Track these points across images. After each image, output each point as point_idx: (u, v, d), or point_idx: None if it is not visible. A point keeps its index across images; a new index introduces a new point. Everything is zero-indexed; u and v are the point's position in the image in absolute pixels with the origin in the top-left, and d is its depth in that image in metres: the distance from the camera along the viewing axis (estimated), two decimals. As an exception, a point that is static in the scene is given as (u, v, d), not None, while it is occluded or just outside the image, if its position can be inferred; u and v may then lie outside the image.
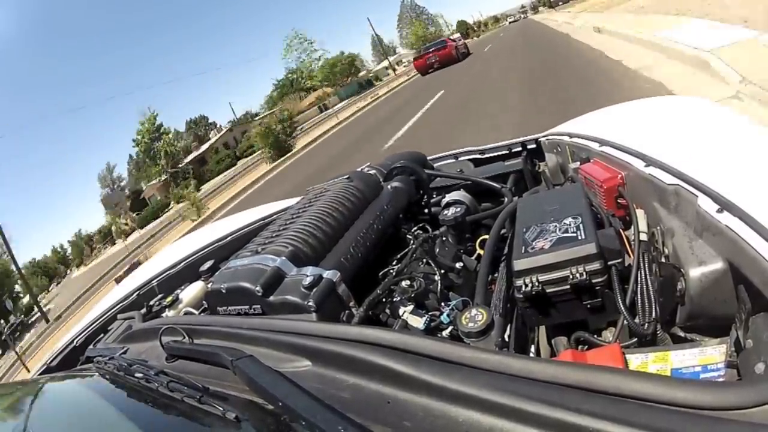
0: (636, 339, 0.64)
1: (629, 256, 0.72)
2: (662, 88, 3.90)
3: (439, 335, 0.73)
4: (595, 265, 0.66)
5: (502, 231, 0.93)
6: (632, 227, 0.76)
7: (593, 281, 0.66)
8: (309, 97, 44.63)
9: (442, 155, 1.50)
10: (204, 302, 1.04)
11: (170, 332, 0.76)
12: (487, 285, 0.80)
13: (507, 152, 1.39)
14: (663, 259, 0.70)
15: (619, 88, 4.52)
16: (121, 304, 1.34)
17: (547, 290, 0.68)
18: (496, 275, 0.86)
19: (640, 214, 0.78)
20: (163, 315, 1.15)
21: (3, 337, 15.29)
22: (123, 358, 0.78)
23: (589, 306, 0.68)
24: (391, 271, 0.90)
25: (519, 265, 0.70)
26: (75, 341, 1.27)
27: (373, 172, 1.24)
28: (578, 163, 1.04)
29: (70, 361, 1.20)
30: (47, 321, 16.78)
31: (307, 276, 0.79)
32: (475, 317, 0.66)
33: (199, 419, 0.55)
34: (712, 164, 0.69)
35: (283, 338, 0.64)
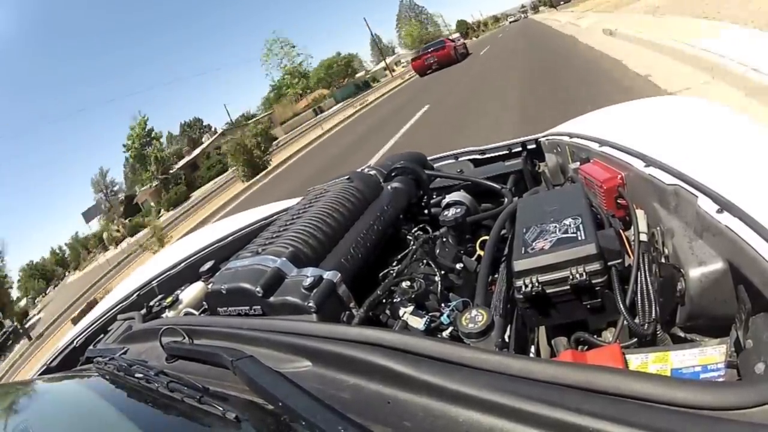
0: (636, 339, 0.64)
1: (629, 256, 0.72)
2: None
3: (439, 336, 0.73)
4: (595, 266, 0.66)
5: (502, 231, 0.93)
6: (632, 228, 0.76)
7: (593, 282, 0.66)
8: (305, 98, 44.17)
9: (442, 155, 1.50)
10: (204, 303, 1.04)
11: (170, 333, 0.76)
12: (487, 286, 0.80)
13: (507, 152, 1.39)
14: (663, 260, 0.70)
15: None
16: (121, 305, 1.34)
17: (547, 291, 0.68)
18: (496, 276, 0.86)
19: (640, 215, 0.78)
20: (163, 315, 1.15)
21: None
22: (123, 358, 0.78)
23: (589, 306, 0.68)
24: (392, 271, 0.90)
25: (519, 265, 0.70)
26: (75, 341, 1.27)
27: (373, 172, 1.24)
28: (578, 163, 1.04)
29: (70, 361, 1.20)
30: (29, 339, 16.11)
31: (308, 277, 0.79)
32: (476, 318, 0.66)
33: (199, 419, 0.55)
34: (712, 164, 0.69)
35: (284, 339, 0.64)
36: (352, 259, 0.90)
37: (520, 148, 1.38)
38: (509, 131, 4.69)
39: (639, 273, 0.68)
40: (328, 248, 0.92)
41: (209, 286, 0.92)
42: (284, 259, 0.85)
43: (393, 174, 1.25)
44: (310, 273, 0.81)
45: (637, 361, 0.57)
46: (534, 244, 0.72)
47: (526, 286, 0.68)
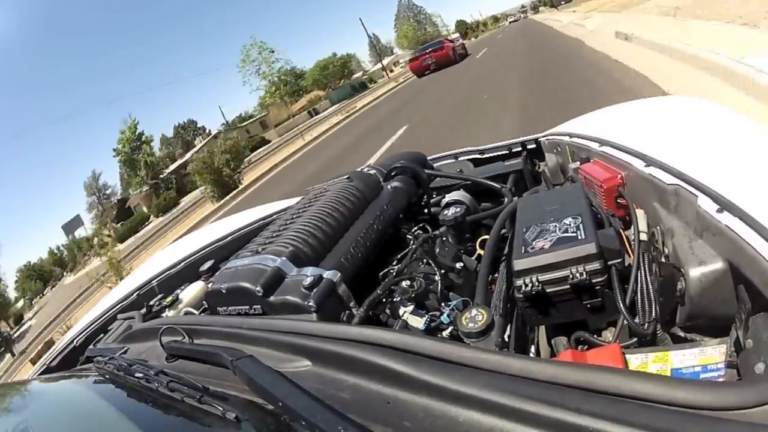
0: (636, 339, 0.64)
1: (629, 256, 0.72)
2: None
3: (439, 335, 0.73)
4: (595, 265, 0.66)
5: (502, 231, 0.93)
6: (632, 227, 0.76)
7: (593, 281, 0.66)
8: (301, 100, 43.54)
9: (442, 155, 1.50)
10: (204, 302, 1.03)
11: (170, 332, 0.76)
12: (487, 285, 0.80)
13: (507, 152, 1.39)
14: (663, 259, 0.70)
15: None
16: (121, 304, 1.34)
17: (547, 290, 0.68)
18: (496, 275, 0.86)
19: (640, 214, 0.78)
20: (163, 315, 1.15)
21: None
22: (123, 358, 0.78)
23: (589, 306, 0.68)
24: (392, 271, 0.90)
25: (519, 265, 0.70)
26: (75, 341, 1.27)
27: (373, 172, 1.24)
28: (578, 163, 1.04)
29: (70, 361, 1.20)
30: (12, 355, 15.45)
31: (308, 276, 0.79)
32: (476, 317, 0.66)
33: (199, 419, 0.55)
34: (712, 164, 0.69)
35: (283, 338, 0.64)
36: (352, 258, 0.90)
37: (520, 148, 1.38)
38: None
39: (639, 272, 0.68)
40: (328, 248, 0.92)
41: (209, 286, 0.92)
42: (284, 258, 0.85)
43: (393, 173, 1.24)
44: (310, 272, 0.81)
45: (637, 360, 0.57)
46: (534, 243, 0.72)
47: (526, 286, 0.68)
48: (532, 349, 0.76)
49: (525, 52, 12.65)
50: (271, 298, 0.80)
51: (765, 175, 0.62)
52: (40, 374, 1.22)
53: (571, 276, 0.66)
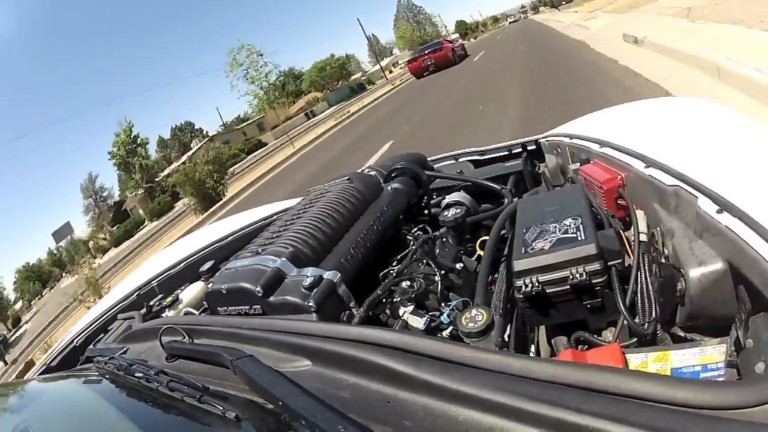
0: (636, 339, 0.64)
1: (629, 256, 0.72)
2: None
3: (439, 335, 0.73)
4: (595, 266, 0.66)
5: (502, 232, 0.93)
6: (632, 228, 0.76)
7: (593, 281, 0.66)
8: (299, 102, 43.12)
9: (442, 156, 1.50)
10: (204, 302, 1.04)
11: (170, 332, 0.76)
12: (487, 285, 0.81)
13: (507, 153, 1.39)
14: (663, 260, 0.70)
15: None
16: (121, 304, 1.34)
17: (547, 290, 0.68)
18: (496, 276, 0.86)
19: (640, 215, 0.78)
20: (163, 315, 1.15)
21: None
22: (123, 358, 0.78)
23: (589, 306, 0.68)
24: (392, 271, 0.90)
25: (519, 265, 0.70)
26: (75, 341, 1.27)
27: (373, 173, 1.24)
28: (578, 164, 1.04)
29: (70, 361, 1.20)
30: (5, 363, 14.83)
31: (308, 277, 0.79)
32: (476, 317, 0.66)
33: (199, 419, 0.55)
34: (712, 165, 0.69)
35: (284, 338, 0.64)
36: (352, 259, 0.90)
37: (520, 149, 1.38)
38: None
39: (639, 273, 0.68)
40: (328, 248, 0.92)
41: (209, 286, 0.92)
42: (284, 259, 0.85)
43: (393, 174, 1.25)
44: (310, 273, 0.81)
45: (637, 360, 0.57)
46: (534, 244, 0.72)
47: (526, 286, 0.68)
48: (532, 349, 0.76)
49: (525, 54, 12.15)
50: (271, 299, 0.80)
51: (765, 176, 0.62)
52: (40, 374, 1.22)
53: (571, 276, 0.66)
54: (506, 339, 0.68)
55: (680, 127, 0.96)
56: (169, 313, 1.15)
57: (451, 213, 1.04)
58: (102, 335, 1.21)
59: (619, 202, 0.86)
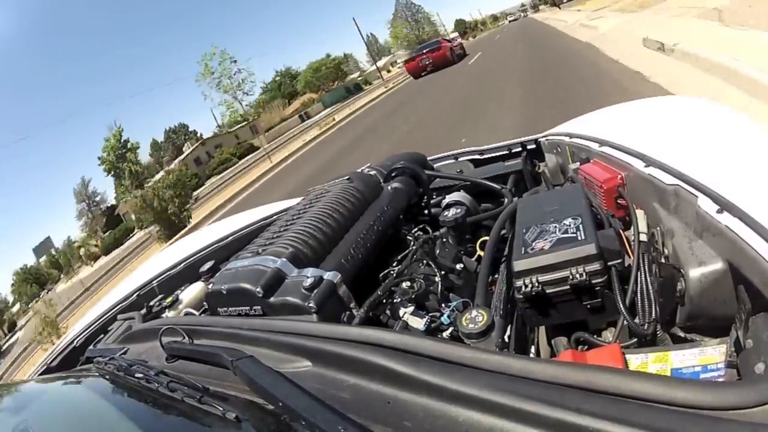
0: (636, 339, 0.64)
1: (629, 256, 0.72)
2: None
3: (439, 336, 0.73)
4: (595, 266, 0.66)
5: (502, 232, 0.93)
6: (632, 228, 0.76)
7: (593, 282, 0.66)
8: (294, 103, 42.42)
9: (442, 156, 1.50)
10: (204, 303, 1.04)
11: (170, 333, 0.76)
12: (487, 286, 0.81)
13: (507, 153, 1.39)
14: (663, 260, 0.70)
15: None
16: (121, 305, 1.34)
17: (547, 291, 0.68)
18: (496, 276, 0.86)
19: (640, 215, 0.78)
20: (163, 315, 1.15)
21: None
22: (123, 358, 0.78)
23: (589, 306, 0.68)
24: (392, 272, 0.90)
25: (519, 265, 0.70)
26: (75, 341, 1.27)
27: (373, 173, 1.24)
28: (578, 163, 1.04)
29: (70, 361, 1.20)
30: None
31: (308, 277, 0.79)
32: (476, 318, 0.66)
33: (199, 419, 0.55)
34: (712, 164, 0.69)
35: (284, 339, 0.64)
36: (352, 259, 0.90)
37: (519, 149, 1.38)
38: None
39: (639, 273, 0.68)
40: (328, 249, 0.92)
41: (209, 287, 0.92)
42: (284, 259, 0.85)
43: (393, 174, 1.25)
44: (310, 273, 0.81)
45: (637, 361, 0.57)
46: (534, 244, 0.72)
47: (526, 286, 0.68)
48: (532, 349, 0.76)
49: (525, 60, 10.54)
50: (272, 299, 0.80)
51: (765, 176, 0.62)
52: (40, 374, 1.22)
53: (571, 276, 0.66)
54: (506, 340, 0.68)
55: (680, 126, 0.96)
56: (169, 314, 1.15)
57: (451, 213, 1.04)
58: (102, 336, 1.21)
59: (619, 201, 0.86)
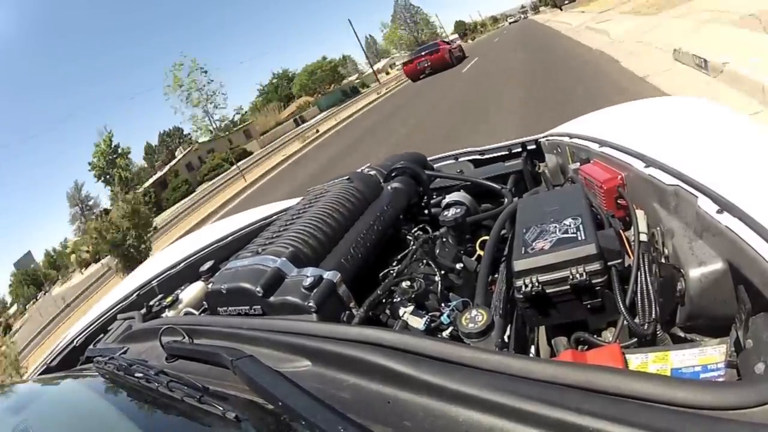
0: (636, 339, 0.64)
1: (629, 256, 0.72)
2: None
3: (439, 336, 0.73)
4: (595, 266, 0.66)
5: (502, 232, 0.93)
6: (632, 228, 0.76)
7: (593, 282, 0.66)
8: (290, 106, 41.77)
9: (442, 156, 1.50)
10: (204, 302, 1.04)
11: (170, 332, 0.76)
12: (487, 286, 0.81)
13: (507, 153, 1.40)
14: (663, 260, 0.70)
15: None
16: (121, 304, 1.34)
17: (547, 290, 0.68)
18: (496, 276, 0.86)
19: (640, 215, 0.78)
20: (163, 315, 1.15)
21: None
22: (123, 358, 0.78)
23: (589, 306, 0.68)
24: (392, 271, 0.90)
25: (519, 265, 0.70)
26: (75, 341, 1.27)
27: (373, 173, 1.24)
28: (578, 163, 1.04)
29: (70, 361, 1.20)
30: None
31: (308, 277, 0.79)
32: (476, 318, 0.66)
33: (199, 419, 0.55)
34: (712, 165, 0.69)
35: (283, 338, 0.64)
36: (352, 259, 0.90)
37: (520, 149, 1.38)
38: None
39: (639, 273, 0.68)
40: (328, 248, 0.92)
41: (209, 286, 0.92)
42: (284, 259, 0.85)
43: (393, 174, 1.25)
44: (310, 273, 0.81)
45: (637, 360, 0.57)
46: (534, 244, 0.72)
47: (526, 286, 0.68)
48: (532, 349, 0.76)
49: (525, 71, 8.99)
50: (271, 299, 0.80)
51: (765, 176, 0.62)
52: (40, 374, 1.22)
53: (571, 276, 0.66)
54: (506, 339, 0.69)
55: (680, 126, 0.96)
56: (169, 313, 1.15)
57: (451, 213, 1.04)
58: (102, 335, 1.21)
59: (619, 201, 0.86)
